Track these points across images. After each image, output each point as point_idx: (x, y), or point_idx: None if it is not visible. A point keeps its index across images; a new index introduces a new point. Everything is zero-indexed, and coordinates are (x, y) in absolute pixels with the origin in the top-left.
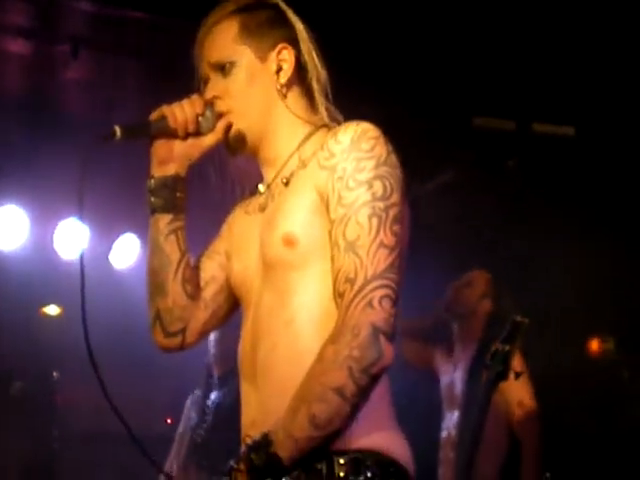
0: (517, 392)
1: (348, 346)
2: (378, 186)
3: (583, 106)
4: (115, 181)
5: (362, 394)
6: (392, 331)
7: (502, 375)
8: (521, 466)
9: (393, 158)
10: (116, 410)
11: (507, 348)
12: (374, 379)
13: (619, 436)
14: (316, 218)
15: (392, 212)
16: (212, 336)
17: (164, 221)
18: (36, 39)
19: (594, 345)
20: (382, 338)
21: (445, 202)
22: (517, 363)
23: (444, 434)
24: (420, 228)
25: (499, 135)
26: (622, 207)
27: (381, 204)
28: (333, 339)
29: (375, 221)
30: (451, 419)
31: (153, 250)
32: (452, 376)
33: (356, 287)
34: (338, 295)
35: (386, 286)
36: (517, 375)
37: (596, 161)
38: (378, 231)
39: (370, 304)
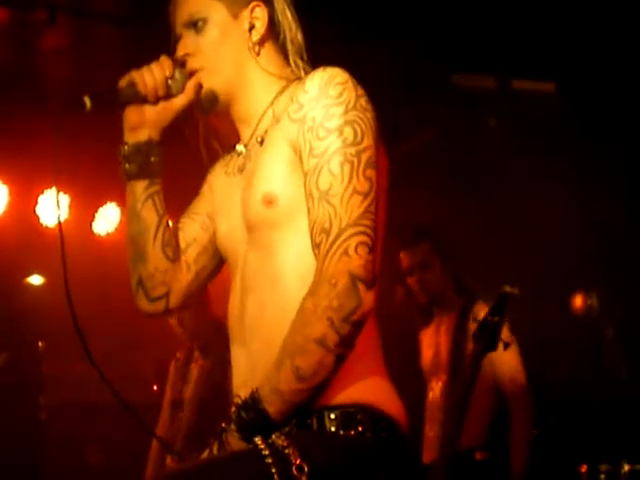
0: (506, 362)
1: (327, 297)
2: (348, 132)
3: (564, 61)
4: (97, 150)
5: (345, 343)
6: (370, 277)
7: (491, 346)
8: (511, 430)
9: (363, 101)
10: (105, 380)
11: (496, 319)
12: (356, 327)
13: (604, 394)
14: (293, 174)
15: (364, 157)
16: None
17: (140, 187)
18: (13, 6)
19: (578, 301)
20: (360, 285)
21: (427, 160)
22: (505, 333)
23: (430, 395)
24: (402, 185)
25: (479, 93)
26: (604, 162)
27: (352, 150)
28: (312, 291)
29: (347, 168)
30: (437, 382)
31: (131, 217)
32: (436, 342)
33: (331, 237)
34: (315, 246)
35: (361, 233)
36: (506, 345)
37: (578, 117)
38: (351, 178)
39: (346, 252)
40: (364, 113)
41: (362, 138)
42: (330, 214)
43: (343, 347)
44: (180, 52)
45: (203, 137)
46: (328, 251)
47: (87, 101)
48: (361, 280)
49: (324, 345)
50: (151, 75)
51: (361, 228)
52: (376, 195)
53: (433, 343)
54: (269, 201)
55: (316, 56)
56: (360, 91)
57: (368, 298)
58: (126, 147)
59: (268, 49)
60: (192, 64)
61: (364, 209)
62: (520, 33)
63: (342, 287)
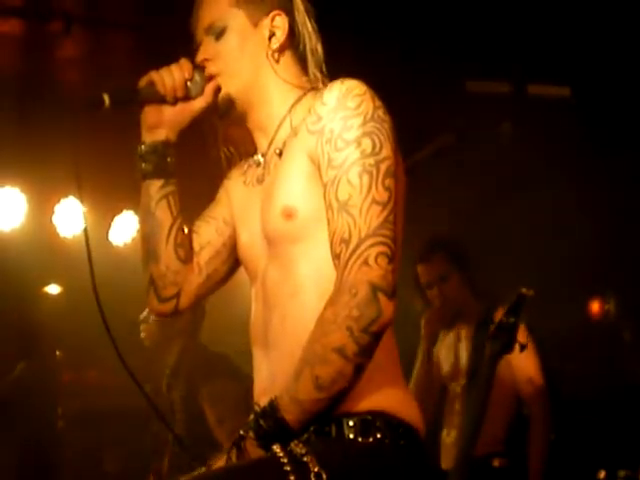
0: (525, 366)
1: (347, 306)
2: (367, 143)
3: (579, 66)
4: (113, 159)
5: (364, 353)
6: (391, 288)
7: (507, 347)
8: (530, 434)
9: (380, 112)
10: (140, 387)
11: (512, 320)
12: (375, 337)
13: (621, 399)
14: (312, 186)
15: (383, 167)
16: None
17: (155, 187)
18: (28, 17)
19: (595, 307)
20: (381, 295)
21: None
22: (521, 335)
23: (448, 400)
24: (415, 192)
25: (494, 98)
26: (619, 167)
27: (371, 160)
28: (332, 301)
29: (366, 178)
30: (456, 387)
31: (145, 216)
32: (456, 347)
33: (351, 247)
34: (335, 257)
35: (381, 243)
36: (522, 347)
37: (593, 122)
38: (370, 188)
39: (366, 263)
40: (382, 124)
41: (380, 149)
42: (349, 224)
43: (362, 357)
44: (200, 57)
45: (221, 142)
46: (348, 261)
47: (106, 98)
48: (381, 290)
49: (343, 355)
50: (170, 76)
51: (380, 238)
52: (395, 205)
53: (452, 349)
54: (288, 214)
55: (331, 64)
56: (378, 102)
57: (388, 309)
58: (143, 146)
59: (287, 58)
60: (211, 69)
61: (383, 219)
62: (535, 38)
63: (362, 297)
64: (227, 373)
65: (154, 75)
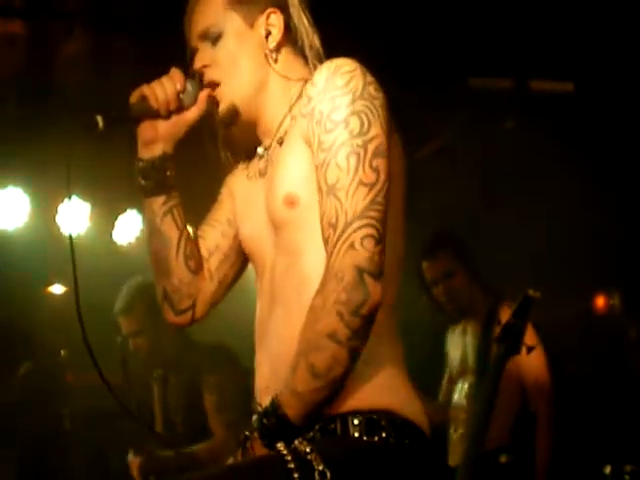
0: (531, 364)
1: (334, 291)
2: (355, 122)
3: (582, 60)
4: (116, 158)
5: (357, 336)
6: (378, 269)
7: (514, 349)
8: (536, 430)
9: (371, 89)
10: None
11: (519, 322)
12: (367, 320)
13: (627, 394)
14: (311, 170)
15: (371, 147)
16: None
17: (158, 203)
18: (31, 18)
19: (600, 301)
20: (367, 278)
21: (442, 163)
22: (529, 335)
23: (455, 397)
24: (417, 189)
25: (496, 94)
26: (624, 162)
27: (359, 140)
28: (320, 287)
29: (353, 160)
30: (463, 385)
31: (151, 232)
32: (464, 344)
33: (338, 231)
34: (324, 242)
35: (367, 225)
36: (529, 349)
37: (597, 117)
38: (357, 170)
39: (352, 246)
40: (372, 101)
41: (369, 127)
42: (337, 208)
43: (355, 340)
44: (197, 64)
45: (221, 145)
46: (335, 245)
47: (99, 120)
48: (368, 272)
49: (336, 340)
50: (162, 88)
51: (367, 220)
52: (386, 184)
53: (460, 345)
54: (291, 202)
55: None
56: (369, 78)
57: (376, 290)
58: (141, 163)
59: (285, 54)
60: (210, 75)
61: (370, 201)
62: (537, 33)
63: (349, 281)
64: (228, 362)
65: (146, 89)
